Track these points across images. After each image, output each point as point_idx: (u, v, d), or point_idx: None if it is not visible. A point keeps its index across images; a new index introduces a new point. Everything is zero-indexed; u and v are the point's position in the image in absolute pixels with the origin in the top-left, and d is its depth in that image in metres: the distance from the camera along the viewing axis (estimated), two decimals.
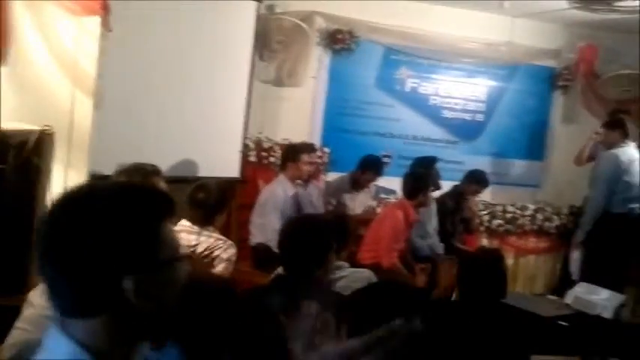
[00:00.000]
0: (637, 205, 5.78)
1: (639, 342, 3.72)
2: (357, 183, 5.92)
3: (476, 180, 6.09)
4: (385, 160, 6.58)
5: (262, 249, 4.95)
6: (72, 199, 1.18)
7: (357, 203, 5.95)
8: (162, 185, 2.90)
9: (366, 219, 5.62)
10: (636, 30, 6.54)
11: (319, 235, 2.70)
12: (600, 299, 3.93)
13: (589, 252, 5.81)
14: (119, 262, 1.14)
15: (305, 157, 5.29)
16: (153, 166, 3.34)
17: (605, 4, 4.58)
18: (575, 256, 5.88)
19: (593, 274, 5.62)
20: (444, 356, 2.62)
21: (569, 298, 4.08)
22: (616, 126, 5.92)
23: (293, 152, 5.36)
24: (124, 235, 1.15)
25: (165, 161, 5.35)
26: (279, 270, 3.47)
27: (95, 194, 1.20)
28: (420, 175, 5.38)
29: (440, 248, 5.64)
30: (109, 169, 4.71)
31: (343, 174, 6.18)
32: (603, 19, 6.05)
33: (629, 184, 5.68)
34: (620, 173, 5.68)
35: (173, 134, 5.36)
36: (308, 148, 5.54)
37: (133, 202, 1.20)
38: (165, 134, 5.28)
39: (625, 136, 5.85)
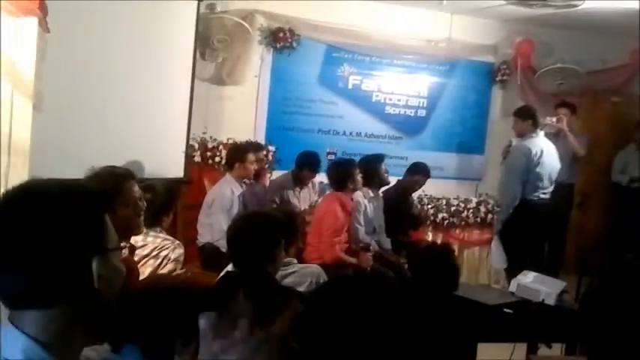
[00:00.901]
0: (547, 193, 5.97)
1: (581, 327, 3.82)
2: (298, 180, 5.93)
3: (417, 171, 6.13)
4: (330, 157, 6.63)
5: (210, 249, 4.94)
6: (20, 193, 1.18)
7: (302, 200, 5.96)
8: (136, 189, 2.85)
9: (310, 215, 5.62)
10: (570, 24, 6.74)
11: (268, 230, 2.70)
12: (543, 287, 4.02)
13: (507, 240, 5.98)
14: (78, 246, 1.16)
15: (251, 157, 5.28)
16: (126, 170, 3.29)
17: (540, 0, 4.69)
18: (495, 244, 5.99)
19: (514, 261, 5.92)
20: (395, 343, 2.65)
21: (513, 286, 4.16)
22: (527, 116, 6.03)
23: (239, 152, 5.34)
24: (80, 221, 1.17)
25: (107, 162, 5.30)
26: (229, 267, 3.49)
27: (45, 185, 1.21)
28: (342, 164, 5.41)
29: (388, 243, 5.68)
30: (49, 172, 4.67)
31: (286, 171, 6.18)
32: (539, 15, 6.20)
33: (540, 174, 5.83)
34: (531, 164, 5.81)
35: (115, 135, 5.28)
36: (254, 147, 5.54)
37: (80, 193, 1.23)
38: (108, 135, 5.20)
39: (535, 126, 5.98)
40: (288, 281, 3.50)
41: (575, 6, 4.69)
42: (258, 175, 5.72)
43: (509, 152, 6.58)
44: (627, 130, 7.97)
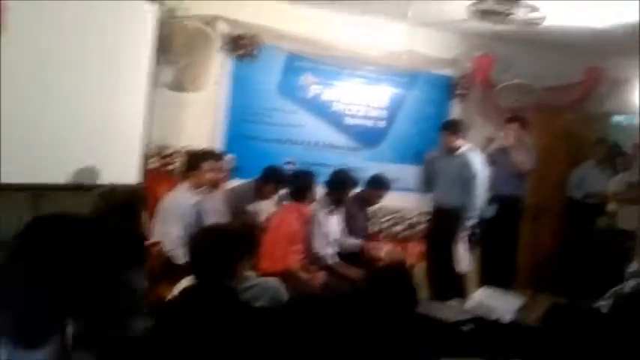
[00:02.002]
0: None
1: (538, 343, 3.84)
2: (259, 192, 5.86)
3: (377, 184, 6.14)
4: (288, 167, 6.58)
5: (164, 259, 4.83)
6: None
7: (261, 211, 5.89)
8: None
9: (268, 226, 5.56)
10: (529, 41, 6.82)
11: (230, 245, 2.66)
12: (500, 303, 4.05)
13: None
14: None
15: (207, 165, 5.18)
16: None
17: (502, 17, 4.73)
18: (462, 249, 6.05)
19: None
20: None
21: (471, 302, 4.18)
22: (458, 130, 6.12)
23: (195, 160, 5.24)
24: None
25: (63, 168, 5.20)
26: (186, 281, 3.42)
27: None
28: (302, 175, 5.38)
29: (354, 244, 5.68)
30: (3, 177, 4.54)
31: (245, 181, 6.11)
32: (498, 30, 6.26)
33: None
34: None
35: (71, 140, 5.18)
36: (211, 155, 5.45)
37: None
38: (63, 141, 5.10)
39: (464, 139, 6.11)
40: (247, 295, 3.44)
41: (536, 24, 4.75)
42: (214, 184, 5.63)
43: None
44: (582, 146, 8.12)
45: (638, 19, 5.60)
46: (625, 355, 2.02)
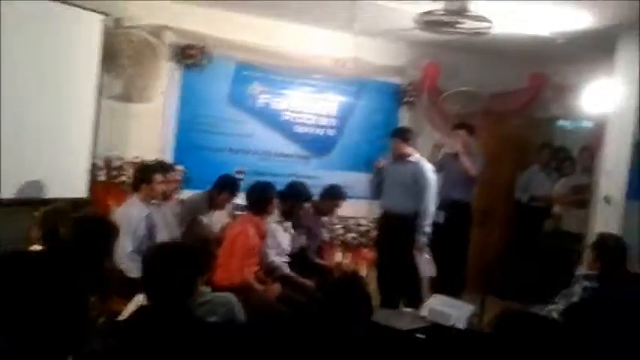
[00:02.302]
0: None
1: (491, 350, 3.90)
2: (213, 202, 5.83)
3: (333, 195, 6.16)
4: (239, 176, 6.56)
5: (116, 274, 4.76)
6: None
7: (214, 222, 5.86)
8: None
9: (222, 238, 5.52)
10: (475, 49, 6.94)
11: (185, 263, 2.61)
12: (453, 310, 4.10)
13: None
14: None
15: (158, 177, 5.12)
16: None
17: (449, 27, 4.80)
18: (424, 255, 6.11)
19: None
20: None
21: (425, 310, 4.22)
22: (408, 137, 6.22)
23: (146, 172, 5.17)
24: None
25: (8, 183, 5.08)
26: (140, 299, 3.36)
27: None
28: (263, 188, 5.36)
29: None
30: None
31: (198, 192, 6.06)
32: (445, 39, 6.34)
33: None
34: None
35: (16, 153, 5.06)
36: (162, 167, 5.39)
37: None
38: (7, 154, 4.97)
39: (414, 147, 6.21)
40: (201, 312, 3.41)
41: (483, 34, 4.83)
42: (166, 196, 5.57)
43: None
44: (528, 151, 8.30)
45: (580, 27, 5.75)
46: None
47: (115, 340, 2.35)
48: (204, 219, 5.75)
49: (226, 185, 5.83)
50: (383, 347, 3.42)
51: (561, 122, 8.42)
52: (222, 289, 4.61)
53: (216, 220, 5.89)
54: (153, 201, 5.19)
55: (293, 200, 5.59)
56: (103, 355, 2.25)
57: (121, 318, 3.35)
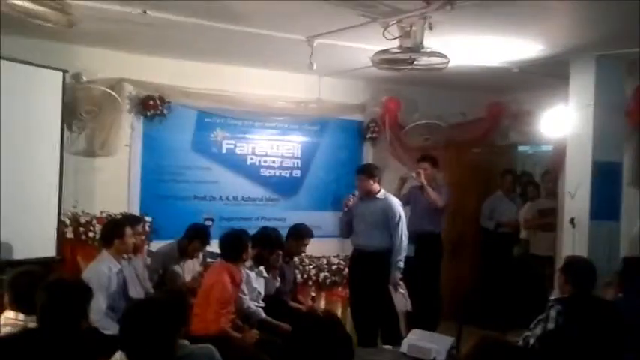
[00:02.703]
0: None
1: None
2: (184, 251, 5.80)
3: (299, 234, 6.15)
4: (207, 223, 6.54)
5: (89, 331, 4.68)
6: None
7: (186, 270, 5.81)
8: None
9: (195, 287, 5.48)
10: (432, 82, 7.06)
11: (165, 318, 2.60)
12: (433, 344, 4.11)
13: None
14: None
15: (129, 231, 5.09)
16: None
17: (405, 64, 4.89)
18: (400, 290, 6.13)
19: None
20: None
21: (404, 346, 4.22)
22: (373, 174, 6.26)
23: (117, 227, 5.12)
24: None
25: None
26: (118, 357, 3.32)
27: None
28: (237, 235, 5.34)
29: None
30: None
31: (168, 241, 6.02)
32: (403, 74, 6.45)
33: None
34: None
35: None
36: (132, 220, 5.36)
37: None
38: None
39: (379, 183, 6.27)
40: None
41: (439, 69, 4.92)
42: (136, 249, 5.52)
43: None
44: (490, 179, 8.43)
45: (534, 55, 5.90)
46: None
47: None
48: (177, 268, 5.70)
49: (197, 234, 5.81)
50: None
51: (521, 148, 8.59)
52: (198, 338, 4.54)
53: (188, 269, 5.84)
54: (123, 255, 5.14)
55: (265, 246, 5.57)
56: None
57: None
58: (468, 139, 8.12)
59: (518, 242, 7.99)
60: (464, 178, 8.09)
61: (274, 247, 5.65)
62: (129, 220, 5.36)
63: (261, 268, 5.62)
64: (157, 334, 2.54)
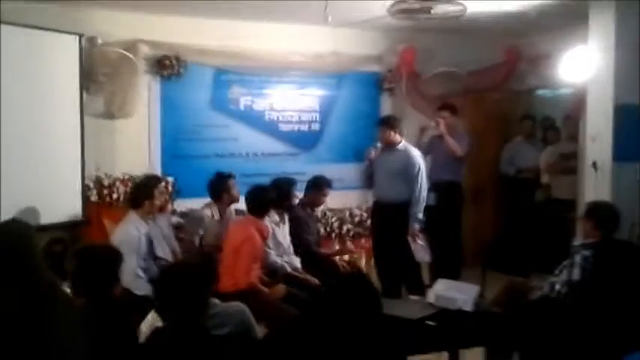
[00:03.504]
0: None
1: (499, 330, 3.96)
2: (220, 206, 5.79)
3: (320, 186, 6.16)
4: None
5: (122, 292, 4.76)
6: None
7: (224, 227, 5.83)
8: None
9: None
10: (448, 29, 6.97)
11: (196, 281, 2.66)
12: (459, 294, 4.14)
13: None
14: None
15: (157, 192, 5.13)
16: None
17: (422, 13, 4.83)
18: (419, 241, 6.18)
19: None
20: None
21: (431, 296, 4.25)
22: (395, 124, 6.25)
23: (146, 188, 5.14)
24: None
25: (3, 211, 5.07)
26: (151, 318, 3.39)
27: None
28: (262, 191, 5.36)
29: (297, 262, 5.68)
30: None
31: (191, 200, 6.08)
32: (418, 23, 6.37)
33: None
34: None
35: (7, 183, 5.05)
36: (157, 180, 5.39)
37: None
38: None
39: (401, 134, 6.25)
40: (212, 324, 3.42)
41: (456, 17, 4.86)
42: (160, 209, 5.56)
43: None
44: (510, 124, 8.37)
45: None
46: (579, 337, 2.11)
47: None
48: (216, 228, 5.68)
49: (220, 186, 5.76)
50: (395, 338, 3.45)
51: (541, 92, 8.49)
52: (227, 294, 4.62)
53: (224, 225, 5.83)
54: (150, 216, 5.19)
55: (282, 194, 5.57)
56: None
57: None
58: (486, 85, 8.03)
59: (539, 187, 7.96)
60: (483, 125, 8.02)
61: (289, 191, 5.68)
62: (155, 180, 5.38)
63: (284, 217, 5.68)
64: (190, 297, 2.60)
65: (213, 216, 5.67)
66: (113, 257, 3.05)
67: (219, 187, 5.72)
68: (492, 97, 8.24)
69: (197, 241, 5.56)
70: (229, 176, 5.74)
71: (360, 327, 3.07)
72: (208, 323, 3.33)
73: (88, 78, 6.13)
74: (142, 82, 6.57)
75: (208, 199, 5.75)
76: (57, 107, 5.63)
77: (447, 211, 6.80)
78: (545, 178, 7.89)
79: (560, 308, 2.23)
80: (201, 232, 5.59)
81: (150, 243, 5.06)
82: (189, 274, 2.69)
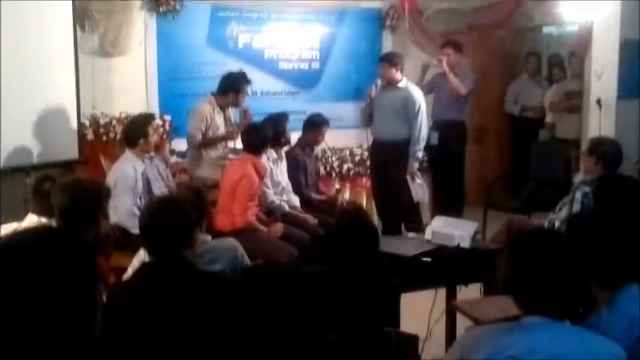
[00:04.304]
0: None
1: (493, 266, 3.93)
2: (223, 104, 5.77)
3: (314, 124, 6.04)
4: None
5: (117, 230, 4.73)
6: None
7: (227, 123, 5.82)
8: None
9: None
10: None
11: (178, 213, 2.61)
12: (457, 230, 4.09)
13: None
14: None
15: (151, 130, 5.05)
16: None
17: None
18: (417, 180, 6.14)
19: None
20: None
21: (428, 233, 4.21)
22: (396, 62, 6.14)
23: (140, 126, 5.06)
24: None
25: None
26: (142, 254, 3.36)
27: None
28: (259, 128, 5.28)
29: (296, 201, 5.65)
30: None
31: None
32: None
33: None
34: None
35: (1, 122, 4.98)
36: (152, 118, 5.31)
37: None
38: None
39: (402, 71, 6.16)
40: (204, 260, 3.40)
41: None
42: (156, 148, 5.49)
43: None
44: (515, 62, 8.23)
45: None
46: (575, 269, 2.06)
47: (120, 298, 2.36)
48: (219, 121, 5.70)
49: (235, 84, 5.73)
50: (391, 274, 3.42)
51: (547, 29, 8.32)
52: (224, 234, 4.61)
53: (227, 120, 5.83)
54: (146, 155, 5.12)
55: (277, 130, 5.49)
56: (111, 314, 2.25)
57: (126, 274, 3.37)
58: (491, 21, 7.85)
59: (543, 126, 7.87)
60: (488, 63, 7.89)
61: (283, 127, 5.61)
62: (150, 118, 5.29)
63: (280, 154, 5.63)
64: (170, 229, 2.54)
65: (213, 110, 5.63)
66: (97, 190, 2.99)
67: (232, 85, 5.73)
68: (497, 34, 8.07)
69: (199, 136, 5.54)
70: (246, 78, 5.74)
71: (357, 262, 3.05)
72: (200, 260, 3.31)
73: (82, 14, 5.98)
74: (137, 18, 6.42)
75: None
76: (51, 44, 5.49)
77: (449, 150, 6.75)
78: (549, 117, 7.79)
79: (558, 239, 2.15)
80: (202, 127, 5.54)
81: (147, 182, 5.01)
82: (174, 207, 2.64)
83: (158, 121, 5.71)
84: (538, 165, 6.91)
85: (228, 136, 5.75)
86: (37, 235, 1.20)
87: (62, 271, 1.12)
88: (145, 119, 5.19)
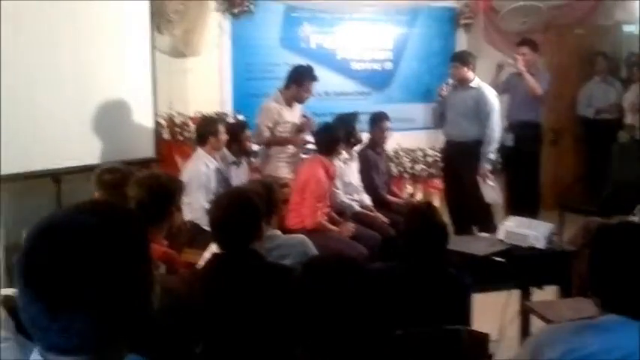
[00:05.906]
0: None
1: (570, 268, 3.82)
2: (290, 99, 5.72)
3: (376, 121, 5.95)
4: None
5: (192, 227, 4.82)
6: None
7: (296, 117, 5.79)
8: None
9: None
10: None
11: (249, 208, 2.63)
12: (531, 231, 3.99)
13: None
14: None
15: (222, 128, 5.13)
16: None
17: None
18: (489, 182, 6.03)
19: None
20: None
21: (501, 233, 4.12)
22: (468, 61, 6.05)
23: (211, 124, 5.16)
24: None
25: (76, 150, 5.16)
26: (213, 248, 3.39)
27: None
28: (331, 129, 5.27)
29: (368, 200, 5.61)
30: (15, 166, 4.52)
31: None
32: None
33: None
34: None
35: (81, 122, 5.13)
36: (221, 116, 5.39)
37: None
38: (72, 123, 5.05)
39: (474, 71, 6.07)
40: (273, 255, 3.41)
41: None
42: (244, 151, 5.54)
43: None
44: (593, 62, 7.98)
45: None
46: None
47: (191, 289, 2.39)
48: (287, 116, 5.65)
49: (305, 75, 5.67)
50: (462, 273, 3.36)
51: (627, 28, 8.03)
52: (295, 232, 4.62)
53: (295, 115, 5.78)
54: (218, 152, 5.19)
55: (346, 131, 5.46)
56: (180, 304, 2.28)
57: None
58: (569, 20, 7.66)
59: (622, 127, 7.60)
60: (565, 62, 7.70)
61: (353, 127, 5.57)
62: (222, 117, 5.37)
63: (353, 155, 5.61)
64: (238, 222, 2.57)
65: (281, 107, 5.63)
66: (174, 185, 3.06)
67: (294, 77, 5.66)
68: (576, 32, 7.84)
69: (267, 133, 5.53)
70: (311, 73, 5.66)
71: (426, 259, 3.01)
72: (270, 255, 3.33)
73: (158, 15, 6.11)
74: (212, 20, 6.52)
75: None
76: (128, 44, 5.63)
77: (524, 152, 6.61)
78: (629, 119, 7.52)
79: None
80: (269, 123, 5.54)
81: (222, 178, 5.08)
82: (242, 198, 2.67)
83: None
84: (618, 167, 6.69)
85: (291, 140, 5.67)
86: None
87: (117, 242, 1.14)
88: (216, 118, 5.27)
